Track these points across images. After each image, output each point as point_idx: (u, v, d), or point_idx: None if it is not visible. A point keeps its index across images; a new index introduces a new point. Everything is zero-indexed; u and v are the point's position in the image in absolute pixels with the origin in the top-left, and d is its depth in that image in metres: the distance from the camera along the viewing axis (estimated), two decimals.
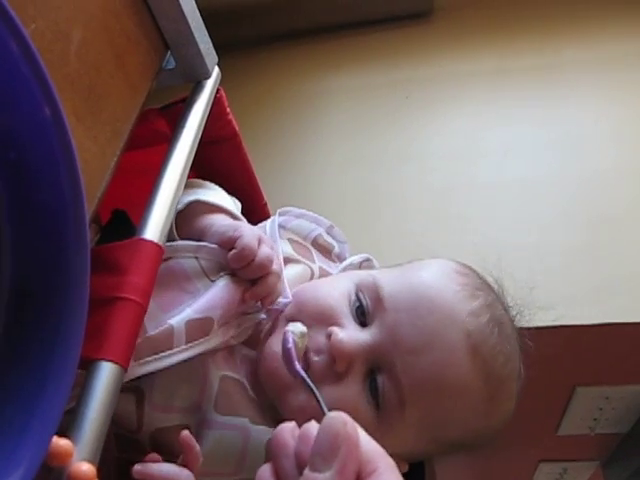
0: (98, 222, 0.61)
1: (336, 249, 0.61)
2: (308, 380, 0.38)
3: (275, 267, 0.48)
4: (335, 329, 0.46)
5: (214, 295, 0.46)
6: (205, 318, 0.45)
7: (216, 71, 0.55)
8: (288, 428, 0.34)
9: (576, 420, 1.11)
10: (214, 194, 0.55)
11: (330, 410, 0.32)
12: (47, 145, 0.25)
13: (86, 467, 0.31)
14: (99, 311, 0.37)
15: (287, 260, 0.55)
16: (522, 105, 1.09)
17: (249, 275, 0.47)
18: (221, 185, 0.60)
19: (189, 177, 0.51)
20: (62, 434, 0.32)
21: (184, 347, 0.44)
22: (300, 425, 0.44)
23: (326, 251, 0.60)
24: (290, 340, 0.43)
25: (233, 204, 0.57)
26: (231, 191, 0.60)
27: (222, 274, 0.47)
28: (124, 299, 0.38)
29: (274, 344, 0.47)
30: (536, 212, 0.96)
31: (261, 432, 0.46)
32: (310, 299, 0.49)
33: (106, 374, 0.35)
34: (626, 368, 0.97)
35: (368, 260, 0.59)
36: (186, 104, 0.52)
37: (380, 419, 0.46)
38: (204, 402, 0.46)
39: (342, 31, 1.25)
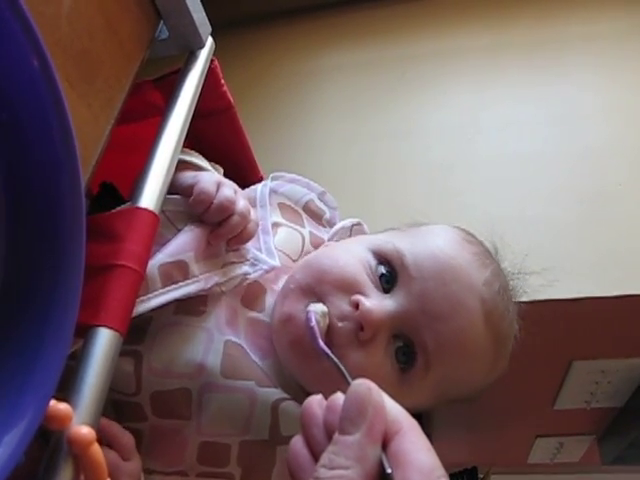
0: (90, 195, 0.61)
1: (327, 215, 0.61)
2: (333, 356, 0.40)
3: (240, 208, 0.48)
4: (361, 298, 0.46)
5: (182, 239, 0.47)
6: (178, 261, 0.46)
7: (210, 41, 0.54)
8: (316, 400, 0.35)
9: (573, 394, 1.12)
10: (189, 155, 0.55)
11: (354, 379, 0.34)
12: (37, 99, 0.24)
13: (86, 430, 0.31)
14: (96, 278, 0.37)
15: (275, 225, 0.55)
16: (519, 81, 1.08)
17: (211, 218, 0.48)
18: (217, 158, 0.59)
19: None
20: (61, 398, 0.32)
21: (161, 291, 0.44)
22: (325, 393, 0.46)
23: (317, 217, 0.61)
24: (313, 319, 0.44)
25: (211, 167, 0.57)
26: (227, 164, 0.60)
27: (189, 223, 0.48)
28: (121, 266, 0.38)
29: (293, 315, 0.47)
30: (533, 187, 0.96)
31: (267, 394, 0.47)
32: (329, 267, 0.49)
33: (104, 340, 0.35)
34: (622, 341, 0.98)
35: (359, 224, 0.60)
36: (180, 74, 0.52)
37: (402, 381, 0.48)
38: (207, 367, 0.46)
39: (338, 8, 1.24)
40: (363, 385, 0.32)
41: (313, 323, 0.44)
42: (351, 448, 0.29)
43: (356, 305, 0.46)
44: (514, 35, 1.13)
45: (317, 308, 0.46)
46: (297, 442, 0.34)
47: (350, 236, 0.60)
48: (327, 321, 0.46)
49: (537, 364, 1.02)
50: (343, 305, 0.47)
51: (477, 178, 0.98)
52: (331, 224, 0.61)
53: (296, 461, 0.33)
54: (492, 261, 0.53)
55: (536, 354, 0.97)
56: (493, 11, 1.17)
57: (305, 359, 0.47)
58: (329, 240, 0.59)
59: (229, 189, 0.49)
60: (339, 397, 0.33)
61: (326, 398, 0.46)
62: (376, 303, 0.46)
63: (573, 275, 0.86)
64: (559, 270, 0.85)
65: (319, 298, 0.48)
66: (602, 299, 0.85)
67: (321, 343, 0.43)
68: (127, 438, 0.44)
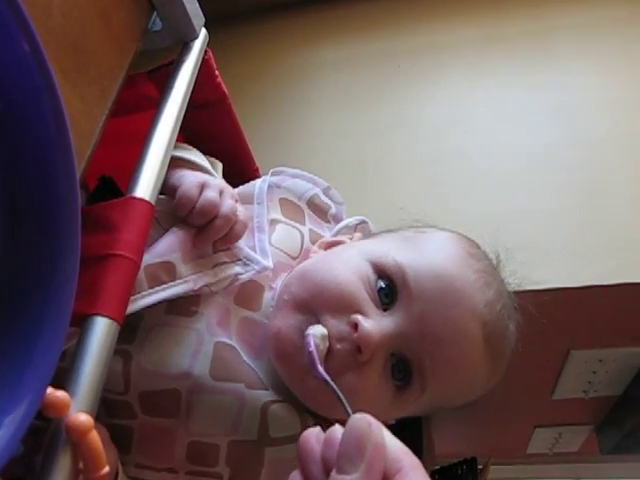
0: (86, 189, 0.61)
1: (332, 210, 0.60)
2: (332, 384, 0.39)
3: (224, 210, 0.47)
4: (360, 318, 0.45)
5: (168, 240, 0.46)
6: (164, 262, 0.45)
7: (203, 32, 0.54)
8: (313, 433, 0.34)
9: (571, 384, 1.13)
10: (184, 151, 0.54)
11: (353, 401, 0.33)
12: (29, 84, 0.24)
13: (84, 417, 0.32)
14: (93, 268, 0.37)
15: (273, 222, 0.54)
16: (513, 72, 1.08)
17: (195, 222, 0.47)
18: (212, 149, 0.59)
19: (178, 141, 0.50)
20: (59, 387, 0.32)
21: (149, 291, 0.43)
22: (314, 406, 0.45)
23: (321, 212, 0.59)
24: (312, 344, 0.42)
25: (208, 163, 0.56)
26: (222, 155, 0.60)
27: (176, 223, 0.47)
28: (117, 256, 0.38)
29: (283, 330, 0.46)
30: (529, 179, 0.96)
31: (257, 396, 0.46)
32: (327, 283, 0.47)
33: (101, 329, 0.35)
34: (619, 330, 0.98)
35: (364, 222, 0.59)
36: (174, 65, 0.52)
37: (396, 399, 0.47)
38: (196, 369, 0.45)
39: (332, 2, 1.24)
40: (362, 420, 0.30)
41: (312, 348, 0.42)
42: None
43: (355, 326, 0.44)
44: (507, 27, 1.13)
45: (317, 331, 0.44)
46: (295, 478, 0.33)
47: (355, 232, 0.58)
48: (327, 344, 0.44)
49: (535, 354, 1.03)
50: (341, 325, 0.45)
51: (471, 170, 0.98)
52: (337, 219, 0.59)
53: None
54: (495, 277, 0.51)
55: (534, 344, 0.97)
56: (486, 3, 1.16)
57: (295, 375, 0.46)
58: (332, 237, 0.57)
59: (212, 191, 0.47)
60: (337, 430, 0.32)
61: (317, 410, 0.46)
62: (375, 325, 0.45)
63: (570, 265, 0.86)
64: (556, 260, 0.86)
65: (314, 314, 0.46)
66: (600, 288, 0.85)
67: (320, 369, 0.41)
68: (99, 429, 0.43)
